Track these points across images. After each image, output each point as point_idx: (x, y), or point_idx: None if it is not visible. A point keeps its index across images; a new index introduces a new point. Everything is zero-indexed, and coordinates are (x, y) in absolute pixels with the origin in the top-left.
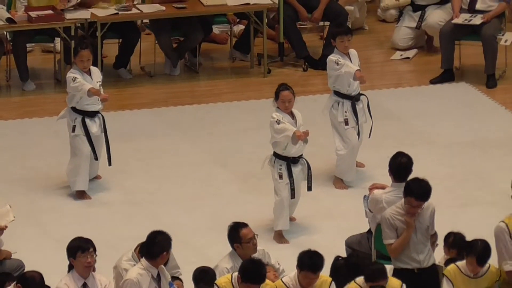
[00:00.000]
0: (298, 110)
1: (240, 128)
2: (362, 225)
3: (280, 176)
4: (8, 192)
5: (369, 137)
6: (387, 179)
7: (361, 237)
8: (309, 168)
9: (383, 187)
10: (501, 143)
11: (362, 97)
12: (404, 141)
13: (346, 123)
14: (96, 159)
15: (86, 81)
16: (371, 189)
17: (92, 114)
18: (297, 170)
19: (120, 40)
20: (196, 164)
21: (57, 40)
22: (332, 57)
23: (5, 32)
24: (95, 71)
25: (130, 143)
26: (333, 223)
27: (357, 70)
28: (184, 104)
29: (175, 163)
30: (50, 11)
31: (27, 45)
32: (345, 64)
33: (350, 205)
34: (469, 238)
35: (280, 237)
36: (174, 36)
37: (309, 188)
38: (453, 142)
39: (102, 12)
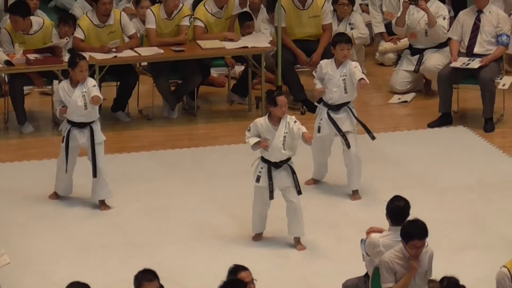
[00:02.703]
0: (298, 151)
1: (238, 172)
2: (360, 269)
3: (258, 179)
4: (6, 235)
5: (373, 138)
6: (384, 223)
7: (358, 280)
8: (294, 172)
9: (380, 231)
10: (498, 187)
11: (344, 108)
12: (402, 184)
13: (319, 130)
14: (66, 171)
15: (69, 95)
16: (368, 232)
17: (81, 126)
18: (280, 175)
19: (118, 83)
20: (194, 207)
21: (55, 82)
22: (318, 65)
23: (3, 75)
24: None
25: (128, 185)
26: (330, 265)
27: (361, 79)
28: (182, 147)
29: (173, 205)
30: (48, 54)
31: (25, 87)
32: (317, 83)
33: (347, 249)
34: (466, 282)
35: (256, 238)
36: (172, 79)
37: (299, 192)
38: (451, 186)
39: (101, 55)
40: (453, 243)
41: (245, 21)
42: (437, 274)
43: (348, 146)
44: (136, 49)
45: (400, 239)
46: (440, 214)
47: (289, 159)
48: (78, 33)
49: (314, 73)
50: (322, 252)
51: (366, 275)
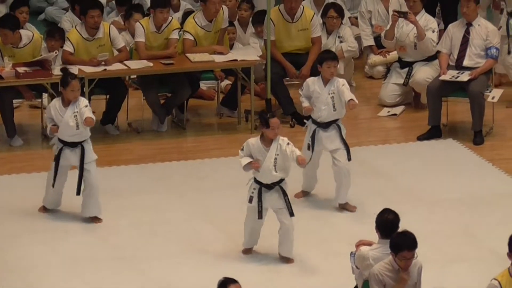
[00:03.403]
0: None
1: (227, 185)
2: (349, 282)
3: (250, 200)
4: None
5: (349, 159)
6: (373, 236)
7: None
8: (285, 194)
9: (369, 244)
10: (488, 200)
11: (333, 126)
12: (391, 197)
13: (308, 147)
14: (53, 186)
15: (61, 115)
16: (357, 245)
17: (72, 145)
18: (272, 197)
19: (108, 96)
20: (183, 220)
21: (44, 95)
22: (305, 83)
23: None
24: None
25: (117, 199)
26: (320, 279)
27: (350, 100)
28: (171, 160)
29: (162, 219)
30: (37, 67)
31: (14, 100)
32: (304, 101)
33: (337, 262)
34: None
35: (246, 252)
36: (161, 92)
37: (291, 214)
38: (440, 199)
39: (90, 68)
40: (443, 256)
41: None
42: (427, 286)
43: (338, 161)
44: (125, 62)
45: (389, 251)
46: (429, 227)
47: (281, 180)
48: (67, 46)
49: (300, 91)
50: (312, 266)
51: None
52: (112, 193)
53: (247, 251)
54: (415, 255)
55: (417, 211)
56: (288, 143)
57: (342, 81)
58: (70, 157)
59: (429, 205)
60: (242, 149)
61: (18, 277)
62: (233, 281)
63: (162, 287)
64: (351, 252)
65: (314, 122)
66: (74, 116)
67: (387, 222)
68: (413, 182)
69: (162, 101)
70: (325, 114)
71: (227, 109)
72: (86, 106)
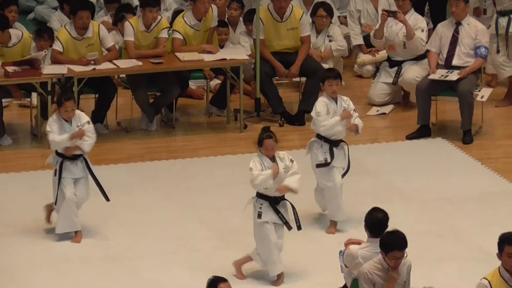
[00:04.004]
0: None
1: (216, 184)
2: (338, 281)
3: (259, 215)
4: None
5: (343, 176)
6: (363, 235)
7: None
8: (293, 207)
9: (358, 243)
10: (477, 199)
11: (342, 144)
12: (380, 196)
13: (325, 162)
14: (55, 203)
15: (64, 129)
16: (346, 244)
17: (74, 158)
18: (279, 210)
19: (97, 95)
20: (172, 219)
21: (34, 95)
22: (318, 103)
23: None
24: (78, 115)
25: None
26: (309, 277)
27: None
28: (160, 159)
29: (151, 218)
30: (27, 66)
31: (3, 100)
32: (322, 117)
33: (326, 260)
34: None
35: (278, 283)
36: (150, 91)
37: (299, 227)
38: (429, 198)
39: (79, 67)
40: (432, 255)
41: (218, 28)
42: (417, 286)
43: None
44: (114, 61)
45: (378, 250)
46: (418, 226)
47: (284, 196)
48: (57, 46)
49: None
50: (301, 264)
51: (345, 286)
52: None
53: (280, 277)
54: (405, 255)
55: (406, 210)
56: (292, 160)
57: (352, 105)
58: (73, 169)
59: (418, 204)
60: (251, 169)
61: (8, 278)
62: (223, 279)
63: (152, 286)
64: (340, 251)
65: (327, 140)
66: (78, 127)
67: (376, 221)
68: (402, 181)
69: (151, 100)
70: (340, 132)
71: (216, 108)
72: (88, 122)
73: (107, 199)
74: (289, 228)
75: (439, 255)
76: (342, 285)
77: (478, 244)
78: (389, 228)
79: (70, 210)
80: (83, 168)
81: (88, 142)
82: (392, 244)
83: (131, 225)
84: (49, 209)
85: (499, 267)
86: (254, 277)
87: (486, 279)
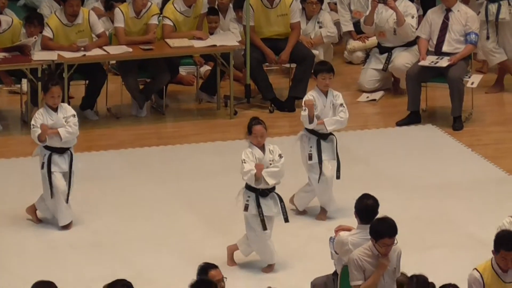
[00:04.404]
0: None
1: (206, 170)
2: (328, 267)
3: (246, 208)
4: None
5: (338, 178)
6: (353, 221)
7: (327, 278)
8: (281, 200)
9: (349, 229)
10: (467, 185)
11: (331, 137)
12: (370, 183)
13: (310, 158)
14: (51, 197)
15: (52, 118)
16: (337, 231)
17: (61, 151)
18: (267, 203)
19: (87, 82)
20: (162, 205)
21: (24, 81)
22: (305, 97)
23: None
24: (65, 107)
25: (96, 184)
26: (299, 264)
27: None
28: (150, 145)
29: (141, 204)
30: (17, 53)
31: None
32: (305, 111)
33: (316, 247)
34: (435, 280)
35: (268, 269)
36: (140, 78)
37: (286, 220)
38: (419, 184)
39: (69, 53)
40: (422, 242)
41: (209, 16)
42: (406, 272)
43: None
44: (104, 47)
45: (368, 237)
46: (408, 212)
47: (274, 188)
48: (47, 32)
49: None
50: (291, 250)
51: (335, 273)
52: (91, 178)
53: (269, 268)
54: (395, 241)
55: (396, 197)
56: (280, 155)
57: (341, 98)
58: (60, 163)
59: (408, 190)
60: (245, 161)
61: None
62: (214, 266)
63: (142, 271)
64: (330, 237)
65: (314, 133)
66: (66, 121)
67: (366, 208)
68: (392, 168)
69: (141, 87)
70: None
71: (206, 95)
72: (74, 115)
73: (67, 201)
74: (265, 228)
75: (429, 242)
76: (332, 271)
77: (468, 231)
78: (379, 215)
79: (66, 200)
80: (69, 162)
81: (67, 131)
82: (383, 231)
83: (121, 211)
84: (33, 210)
85: (491, 260)
86: (245, 264)
87: (478, 271)
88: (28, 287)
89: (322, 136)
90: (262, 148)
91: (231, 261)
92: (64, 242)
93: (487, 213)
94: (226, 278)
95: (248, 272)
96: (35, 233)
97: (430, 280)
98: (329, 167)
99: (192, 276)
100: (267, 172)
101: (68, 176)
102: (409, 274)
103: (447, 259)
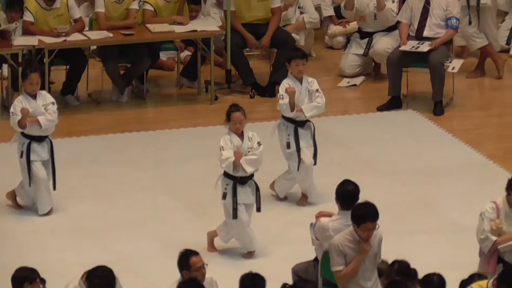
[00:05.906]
0: None
1: (187, 155)
2: (309, 253)
3: (224, 196)
4: None
5: (314, 164)
6: (334, 207)
7: (307, 264)
8: (257, 189)
9: (329, 215)
10: (448, 170)
11: (308, 124)
12: (351, 168)
13: (288, 146)
14: (29, 186)
15: (31, 106)
16: (317, 217)
17: (40, 139)
18: (245, 191)
19: (67, 67)
20: (143, 191)
21: (4, 66)
22: (281, 86)
23: None
24: (44, 95)
25: (77, 169)
26: (280, 250)
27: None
28: (131, 131)
29: (122, 189)
30: None
31: None
32: (285, 98)
33: (297, 233)
34: (416, 265)
35: (249, 256)
36: (121, 63)
37: (258, 209)
38: (400, 170)
39: (50, 39)
40: (403, 227)
41: (190, 4)
42: (388, 257)
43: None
44: (85, 32)
45: (349, 223)
46: (389, 197)
47: (252, 175)
48: (27, 16)
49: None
50: (272, 236)
51: (316, 259)
52: (72, 164)
53: (249, 255)
54: (377, 226)
55: (377, 182)
56: (259, 143)
57: (316, 84)
58: (40, 151)
59: (389, 176)
60: (223, 148)
61: None
62: (195, 253)
63: (122, 257)
64: (311, 223)
65: (291, 120)
66: (45, 108)
67: (347, 193)
68: (373, 153)
69: (122, 72)
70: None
71: (187, 80)
72: (53, 103)
73: (54, 188)
74: (235, 216)
75: (410, 227)
76: (313, 257)
77: (449, 216)
78: (359, 200)
79: (46, 188)
80: (49, 150)
81: (47, 118)
82: (365, 215)
83: (101, 196)
84: (12, 195)
85: (487, 283)
86: (225, 250)
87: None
88: (8, 273)
89: (299, 124)
90: (241, 135)
91: (212, 247)
92: (45, 227)
93: (468, 198)
94: (207, 264)
95: (229, 258)
96: (15, 219)
97: (411, 265)
98: (307, 154)
99: (173, 262)
100: (245, 160)
101: (51, 164)
102: (390, 260)
103: (428, 244)
